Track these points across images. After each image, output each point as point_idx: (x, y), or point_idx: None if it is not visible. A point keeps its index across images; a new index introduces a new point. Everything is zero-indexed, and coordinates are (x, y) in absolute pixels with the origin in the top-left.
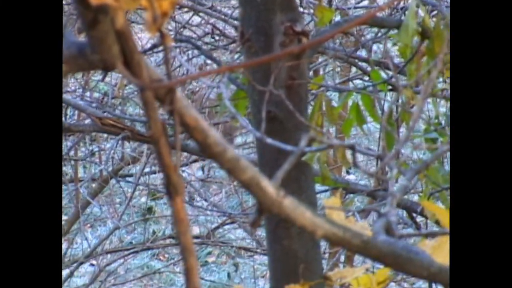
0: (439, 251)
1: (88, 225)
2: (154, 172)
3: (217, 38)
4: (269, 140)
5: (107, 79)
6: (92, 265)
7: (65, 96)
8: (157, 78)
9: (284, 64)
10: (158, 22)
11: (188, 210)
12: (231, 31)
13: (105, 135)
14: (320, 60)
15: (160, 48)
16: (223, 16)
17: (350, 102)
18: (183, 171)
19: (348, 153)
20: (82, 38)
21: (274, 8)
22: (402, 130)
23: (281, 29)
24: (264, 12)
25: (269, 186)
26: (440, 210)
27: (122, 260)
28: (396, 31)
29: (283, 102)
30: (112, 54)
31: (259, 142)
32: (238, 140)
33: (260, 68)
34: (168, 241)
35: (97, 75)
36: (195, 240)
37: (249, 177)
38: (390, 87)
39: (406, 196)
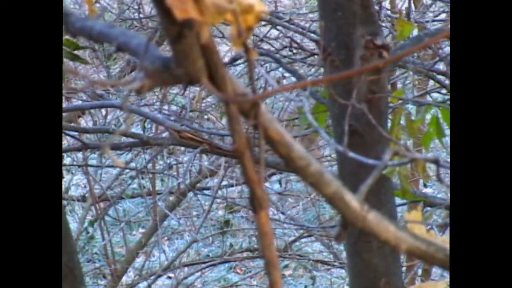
0: None
1: (165, 238)
2: (232, 185)
3: (294, 51)
4: (351, 154)
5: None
6: (170, 278)
7: (143, 109)
8: (242, 92)
9: (365, 78)
10: (243, 36)
11: None
12: (308, 45)
13: (183, 148)
14: (397, 73)
15: (238, 61)
16: (301, 30)
17: (427, 116)
18: None
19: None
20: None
21: (354, 22)
22: None
23: (362, 43)
24: (345, 26)
25: (353, 200)
26: None
27: (199, 273)
28: None
29: (363, 115)
30: (197, 68)
31: (339, 155)
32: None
33: (340, 81)
34: (245, 254)
35: (174, 89)
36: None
37: (333, 191)
38: None
39: None
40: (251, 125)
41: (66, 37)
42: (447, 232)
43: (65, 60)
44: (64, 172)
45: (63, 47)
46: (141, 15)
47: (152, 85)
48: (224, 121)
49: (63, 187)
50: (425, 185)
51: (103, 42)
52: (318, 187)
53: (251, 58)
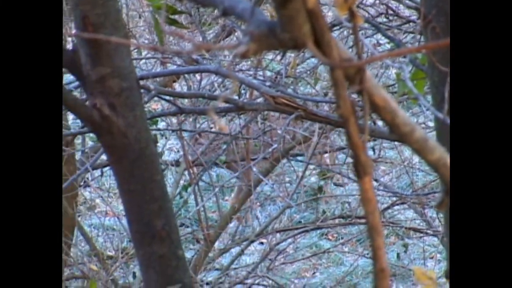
0: None
1: (258, 203)
2: (325, 152)
3: (390, 18)
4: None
5: (279, 58)
6: (262, 243)
7: (239, 74)
8: (347, 58)
9: None
10: (349, 1)
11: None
12: (404, 11)
13: (277, 114)
14: None
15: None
16: None
17: None
18: None
19: None
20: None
21: None
22: None
23: None
24: None
25: None
26: None
27: (291, 239)
28: None
29: None
30: (302, 33)
31: (438, 123)
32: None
33: (440, 48)
34: (337, 220)
35: (269, 54)
36: (364, 220)
37: (436, 157)
38: None
39: None
40: (356, 91)
41: (164, 1)
42: None
43: (163, 24)
44: (158, 137)
45: (163, 11)
46: None
47: (258, 50)
48: (318, 87)
49: (158, 151)
50: None
51: (209, 6)
52: (422, 154)
53: (356, 23)
